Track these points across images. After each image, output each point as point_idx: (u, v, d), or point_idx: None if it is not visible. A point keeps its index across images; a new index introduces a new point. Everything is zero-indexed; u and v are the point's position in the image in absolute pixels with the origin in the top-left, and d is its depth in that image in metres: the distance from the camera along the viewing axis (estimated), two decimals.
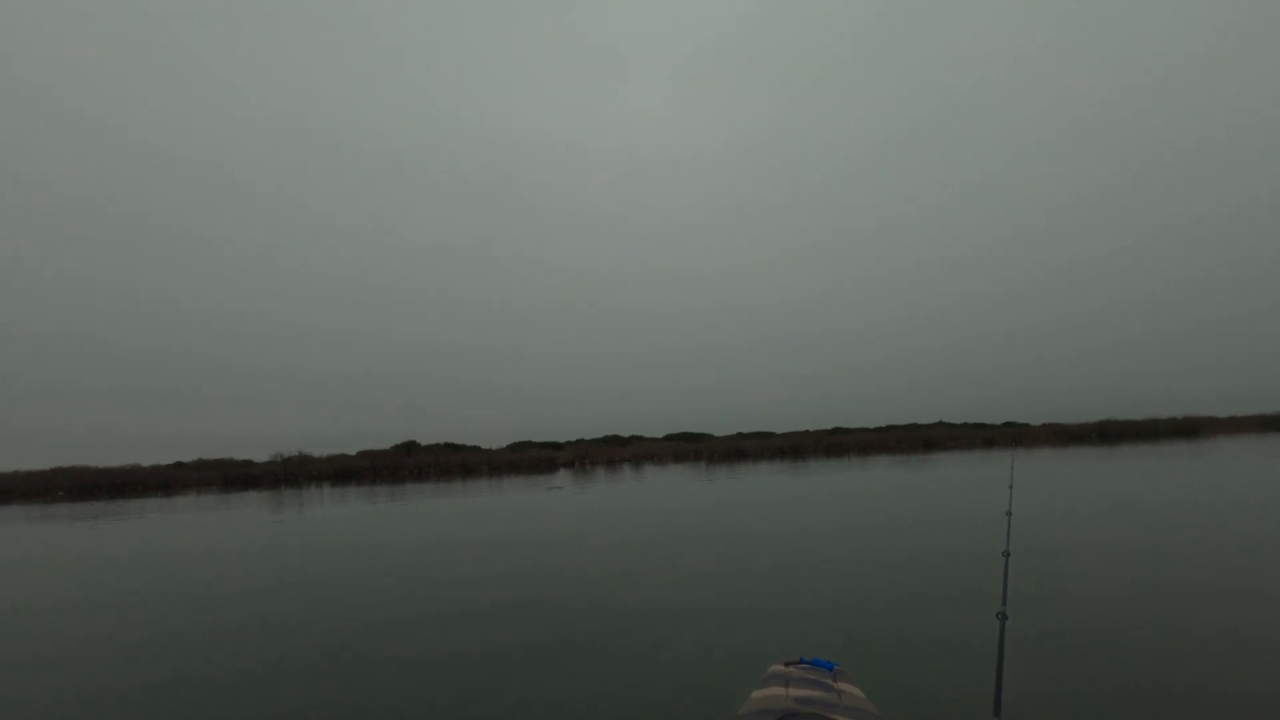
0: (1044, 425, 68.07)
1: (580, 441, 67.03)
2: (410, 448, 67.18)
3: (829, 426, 73.45)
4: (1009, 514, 3.93)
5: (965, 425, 69.86)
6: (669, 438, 71.10)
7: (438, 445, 68.31)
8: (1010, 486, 4.87)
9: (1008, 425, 69.45)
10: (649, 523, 13.14)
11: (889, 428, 71.76)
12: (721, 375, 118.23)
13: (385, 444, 68.90)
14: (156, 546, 13.69)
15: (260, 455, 65.15)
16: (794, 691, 1.80)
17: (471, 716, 3.94)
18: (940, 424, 71.72)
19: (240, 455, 66.44)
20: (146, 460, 60.92)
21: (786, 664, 2.13)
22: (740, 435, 68.17)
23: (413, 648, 5.39)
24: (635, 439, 68.72)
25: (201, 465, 62.21)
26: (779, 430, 73.48)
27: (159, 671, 5.15)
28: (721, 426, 74.45)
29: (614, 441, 66.14)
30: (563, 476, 38.86)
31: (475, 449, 68.01)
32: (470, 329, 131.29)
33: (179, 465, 62.58)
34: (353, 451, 65.09)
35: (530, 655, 5.04)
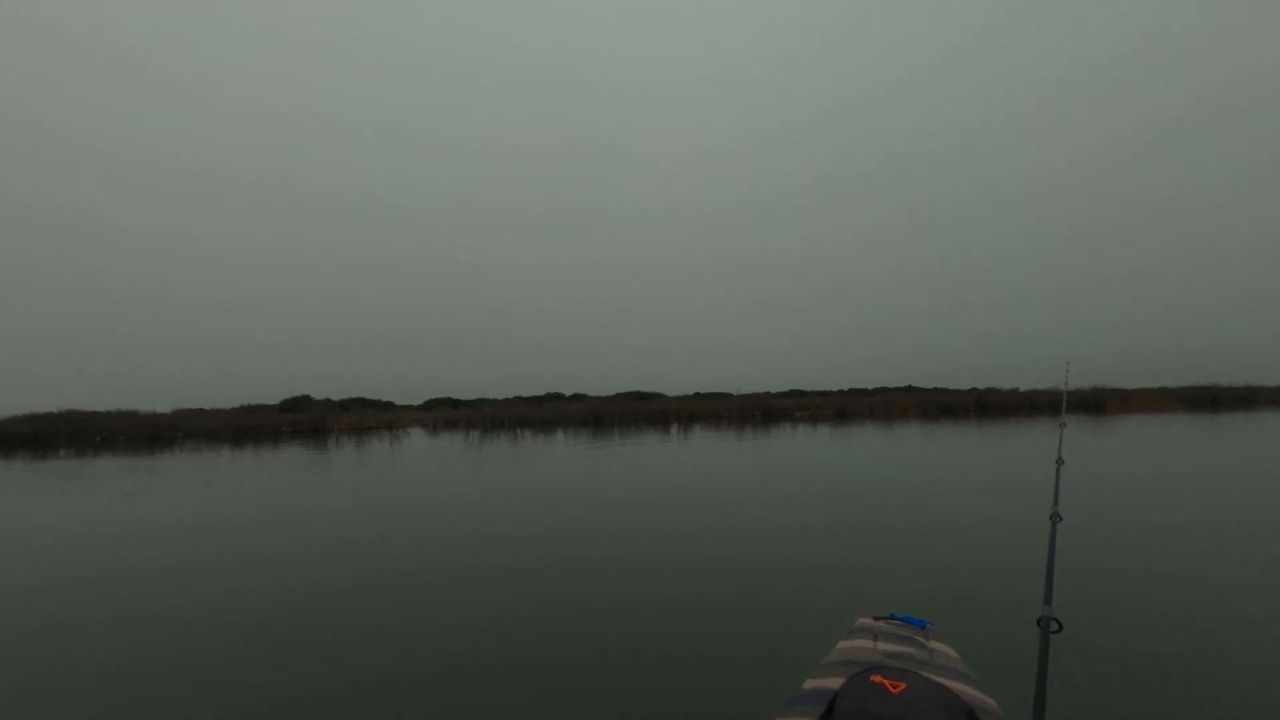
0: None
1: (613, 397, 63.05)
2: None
3: (870, 385, 67.68)
4: (1062, 424, 4.43)
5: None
6: (696, 396, 67.88)
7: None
8: (1062, 424, 4.80)
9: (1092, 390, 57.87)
10: (729, 483, 12.65)
11: (911, 389, 66.08)
12: (735, 335, 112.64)
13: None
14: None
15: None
16: (883, 645, 1.81)
17: (562, 664, 3.99)
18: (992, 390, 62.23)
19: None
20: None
21: (875, 618, 2.12)
22: (769, 394, 64.19)
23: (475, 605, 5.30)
24: (657, 396, 66.16)
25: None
26: (808, 389, 69.66)
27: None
28: (742, 386, 71.83)
29: (634, 397, 63.80)
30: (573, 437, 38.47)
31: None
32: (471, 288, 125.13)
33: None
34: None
35: (613, 610, 5.04)
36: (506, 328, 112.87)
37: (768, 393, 65.81)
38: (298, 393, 61.71)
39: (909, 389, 68.30)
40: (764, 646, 4.16)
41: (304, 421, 48.48)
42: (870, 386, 69.34)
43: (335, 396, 63.12)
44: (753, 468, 15.65)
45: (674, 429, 38.23)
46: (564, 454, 21.79)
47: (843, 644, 1.88)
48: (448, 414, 57.62)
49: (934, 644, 1.93)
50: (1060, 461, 3.27)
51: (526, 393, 71.27)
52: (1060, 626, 1.68)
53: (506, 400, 66.88)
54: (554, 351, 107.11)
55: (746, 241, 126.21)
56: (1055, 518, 2.36)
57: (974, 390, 63.78)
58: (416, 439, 35.56)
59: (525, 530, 8.55)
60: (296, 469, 18.87)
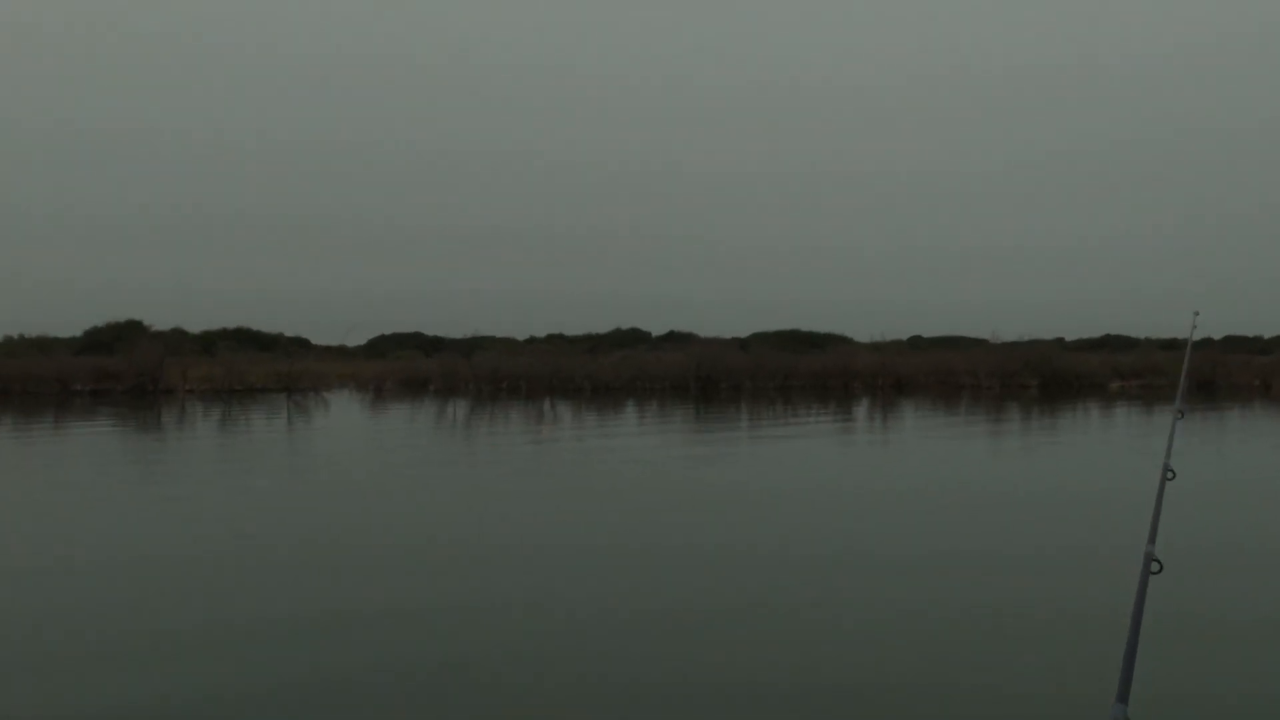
0: None
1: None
2: None
3: (1267, 332, 66.08)
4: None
5: None
6: (914, 343, 66.74)
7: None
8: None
9: None
10: None
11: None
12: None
13: None
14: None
15: None
16: None
17: None
18: None
19: None
20: None
21: None
22: (1061, 343, 64.63)
23: None
24: (835, 340, 65.84)
25: None
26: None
27: None
28: (1001, 328, 70.35)
29: (787, 341, 65.44)
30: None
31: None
32: None
33: None
34: None
35: None
36: (536, 200, 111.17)
37: (1058, 340, 65.67)
38: (116, 316, 58.43)
39: None
40: None
41: (122, 372, 46.59)
42: (1268, 334, 70.32)
43: (192, 327, 59.67)
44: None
45: (863, 403, 38.22)
46: (649, 453, 22.59)
47: None
48: (411, 364, 55.99)
49: None
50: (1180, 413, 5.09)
51: (574, 329, 68.70)
52: (1161, 567, 2.57)
53: (532, 342, 65.24)
54: (631, 252, 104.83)
55: (1049, 38, 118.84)
56: (1167, 471, 3.74)
57: None
58: (341, 411, 34.21)
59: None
60: (67, 474, 19.71)
